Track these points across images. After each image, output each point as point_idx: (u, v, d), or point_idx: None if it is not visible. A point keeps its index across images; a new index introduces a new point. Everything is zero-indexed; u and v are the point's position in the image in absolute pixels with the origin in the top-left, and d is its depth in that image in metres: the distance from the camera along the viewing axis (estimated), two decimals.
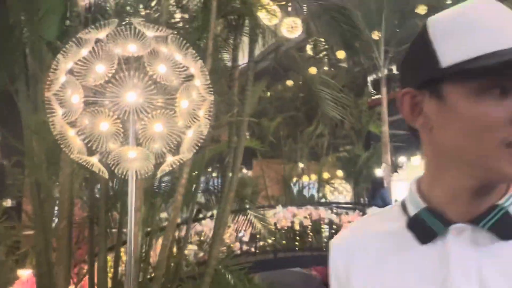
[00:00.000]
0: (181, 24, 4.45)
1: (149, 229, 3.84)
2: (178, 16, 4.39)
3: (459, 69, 0.60)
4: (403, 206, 0.72)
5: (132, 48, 1.94)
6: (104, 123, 1.90)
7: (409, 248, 0.67)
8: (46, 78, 4.18)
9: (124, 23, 2.19)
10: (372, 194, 8.02)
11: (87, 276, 3.89)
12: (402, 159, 12.32)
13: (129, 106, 2.03)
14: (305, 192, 13.38)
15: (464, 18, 0.63)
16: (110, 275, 3.68)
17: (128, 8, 3.66)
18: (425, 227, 0.66)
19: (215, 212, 5.56)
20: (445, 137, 0.64)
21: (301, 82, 12.38)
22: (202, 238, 4.91)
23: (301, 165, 13.25)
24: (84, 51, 1.96)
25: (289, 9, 6.37)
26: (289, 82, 13.13)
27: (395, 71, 12.53)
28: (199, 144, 2.20)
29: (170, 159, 2.17)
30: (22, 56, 3.93)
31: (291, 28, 9.01)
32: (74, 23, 3.34)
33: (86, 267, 4.08)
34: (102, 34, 2.02)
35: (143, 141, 2.21)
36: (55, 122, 2.03)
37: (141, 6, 3.87)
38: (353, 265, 0.73)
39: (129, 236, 2.11)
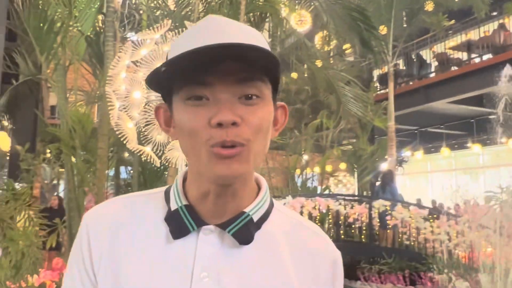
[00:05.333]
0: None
1: None
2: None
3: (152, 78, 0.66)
4: (167, 196, 0.74)
5: None
6: None
7: (165, 241, 0.70)
8: (76, 69, 4.35)
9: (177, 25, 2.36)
10: (382, 188, 8.21)
11: None
12: (406, 153, 12.54)
13: None
14: (309, 184, 13.58)
15: (182, 35, 0.69)
16: None
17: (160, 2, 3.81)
18: (181, 223, 0.70)
19: None
20: (181, 145, 0.69)
21: (306, 75, 12.53)
22: None
23: (305, 157, 13.44)
24: (144, 51, 2.14)
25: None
26: (294, 75, 13.26)
27: (401, 66, 12.70)
28: None
29: None
30: (52, 47, 4.08)
31: (300, 21, 9.19)
32: (110, 18, 3.48)
33: None
34: (157, 35, 2.20)
35: None
36: (113, 114, 2.21)
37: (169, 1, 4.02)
38: (118, 244, 0.72)
39: None
